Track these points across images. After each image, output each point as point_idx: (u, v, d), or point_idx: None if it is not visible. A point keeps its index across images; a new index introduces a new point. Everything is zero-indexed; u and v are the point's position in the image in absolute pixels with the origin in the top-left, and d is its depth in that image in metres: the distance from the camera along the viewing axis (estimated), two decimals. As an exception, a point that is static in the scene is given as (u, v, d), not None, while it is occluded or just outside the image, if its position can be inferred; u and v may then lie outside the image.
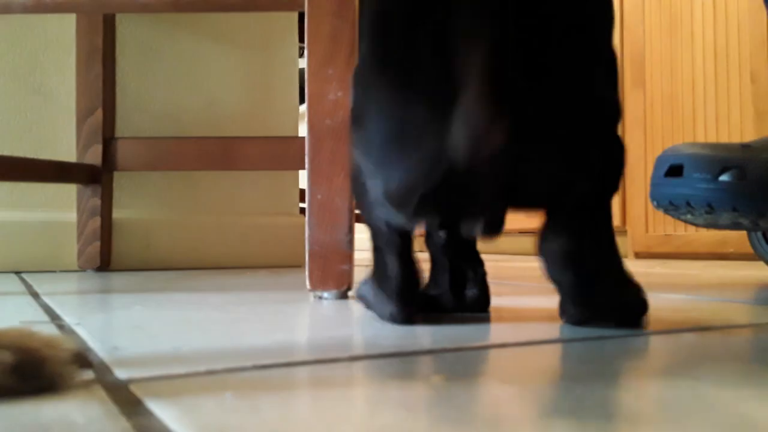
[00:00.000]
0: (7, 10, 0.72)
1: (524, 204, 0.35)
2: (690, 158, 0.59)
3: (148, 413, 0.21)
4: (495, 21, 0.29)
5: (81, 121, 1.00)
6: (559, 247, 0.35)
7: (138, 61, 1.08)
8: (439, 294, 0.44)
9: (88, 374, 0.26)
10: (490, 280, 0.43)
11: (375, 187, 0.36)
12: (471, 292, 0.44)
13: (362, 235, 1.14)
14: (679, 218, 0.63)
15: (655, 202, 0.63)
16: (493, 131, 0.29)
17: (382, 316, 0.40)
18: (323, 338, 0.35)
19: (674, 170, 0.60)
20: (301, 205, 1.27)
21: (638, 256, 1.50)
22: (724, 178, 0.56)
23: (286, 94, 1.19)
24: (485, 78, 0.29)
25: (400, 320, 0.38)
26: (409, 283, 0.38)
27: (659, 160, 0.62)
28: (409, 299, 0.38)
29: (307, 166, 0.57)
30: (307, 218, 0.57)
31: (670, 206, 0.60)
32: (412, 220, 0.36)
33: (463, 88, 0.29)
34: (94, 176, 0.99)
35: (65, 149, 1.02)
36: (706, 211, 0.57)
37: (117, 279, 0.83)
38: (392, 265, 0.38)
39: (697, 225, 0.64)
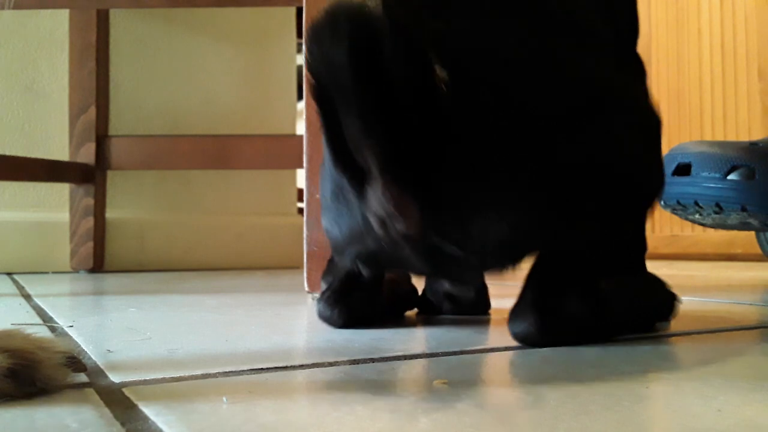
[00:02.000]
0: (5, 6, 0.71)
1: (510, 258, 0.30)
2: (698, 157, 0.58)
3: (142, 418, 0.20)
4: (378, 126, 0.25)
5: (74, 118, 0.99)
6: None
7: (132, 57, 1.07)
8: (437, 299, 0.44)
9: (82, 378, 0.25)
10: (494, 281, 0.43)
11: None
12: (468, 295, 0.43)
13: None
14: (686, 218, 0.62)
15: (662, 202, 0.62)
16: (397, 219, 0.27)
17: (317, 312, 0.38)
18: (322, 341, 0.34)
19: (682, 169, 0.60)
20: (299, 204, 1.27)
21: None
22: (733, 177, 0.56)
23: (284, 90, 1.18)
24: (381, 171, 0.26)
25: (331, 323, 0.37)
26: (349, 287, 0.36)
27: (666, 158, 0.62)
28: (345, 303, 0.36)
29: (305, 164, 0.57)
30: (305, 218, 0.56)
31: (678, 206, 0.60)
32: (354, 266, 0.35)
33: (369, 172, 0.27)
34: (87, 175, 0.98)
35: (58, 148, 1.01)
36: (715, 211, 0.57)
37: (110, 280, 0.82)
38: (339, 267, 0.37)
39: (705, 225, 0.63)
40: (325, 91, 0.26)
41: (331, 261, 0.41)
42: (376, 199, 0.27)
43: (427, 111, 0.27)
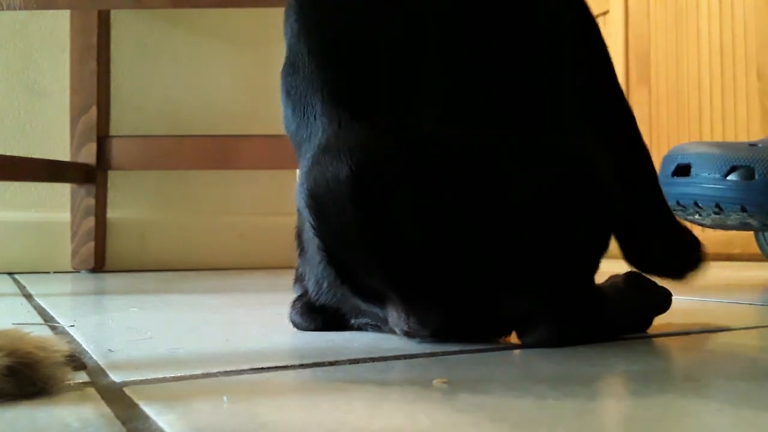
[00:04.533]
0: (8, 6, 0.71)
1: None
2: (698, 157, 0.58)
3: (143, 417, 0.20)
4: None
5: (75, 119, 0.99)
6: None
7: (133, 58, 1.07)
8: None
9: (82, 376, 0.25)
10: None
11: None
12: None
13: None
14: (686, 219, 0.62)
15: None
16: (422, 330, 0.30)
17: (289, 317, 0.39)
18: (322, 341, 0.34)
19: (681, 169, 0.59)
20: (298, 204, 1.26)
21: (642, 257, 1.49)
22: (732, 177, 0.56)
23: (284, 92, 1.18)
24: (402, 299, 0.29)
25: (302, 328, 0.37)
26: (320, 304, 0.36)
27: (666, 159, 0.61)
28: (315, 317, 0.37)
29: (304, 165, 0.56)
30: (304, 218, 0.56)
31: (678, 206, 0.60)
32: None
33: (388, 296, 0.30)
34: (88, 175, 0.98)
35: (59, 148, 1.01)
36: (714, 211, 0.57)
37: (111, 280, 0.82)
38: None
39: (704, 226, 0.63)
40: (336, 251, 0.29)
41: (299, 269, 0.41)
42: (401, 320, 0.30)
43: (430, 240, 0.29)
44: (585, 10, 0.37)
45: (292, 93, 0.34)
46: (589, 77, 0.37)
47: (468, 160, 0.30)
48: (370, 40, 0.32)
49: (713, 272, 0.95)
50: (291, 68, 0.34)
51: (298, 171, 0.34)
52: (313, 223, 0.29)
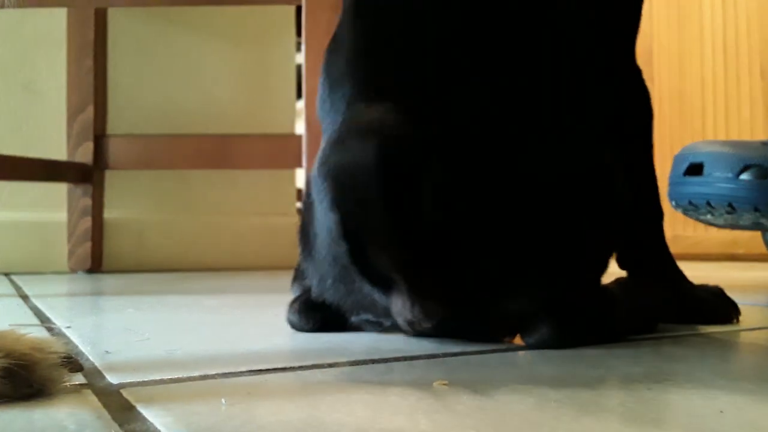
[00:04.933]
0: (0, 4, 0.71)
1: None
2: (710, 156, 0.57)
3: (140, 419, 0.20)
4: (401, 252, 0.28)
5: (71, 118, 0.99)
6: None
7: (130, 56, 1.07)
8: None
9: (79, 378, 0.25)
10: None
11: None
12: None
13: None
14: (698, 219, 0.61)
15: (673, 202, 0.61)
16: (425, 321, 0.30)
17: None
18: (321, 342, 0.34)
19: (694, 169, 0.58)
20: (298, 204, 1.26)
21: (647, 257, 1.49)
22: (745, 176, 0.55)
23: (283, 90, 1.18)
24: (409, 288, 0.29)
25: (298, 328, 0.37)
26: (317, 303, 0.36)
27: (678, 159, 0.60)
28: (313, 316, 0.37)
29: (304, 164, 0.56)
30: (303, 218, 0.56)
31: (690, 206, 0.59)
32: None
33: (395, 283, 0.30)
34: (85, 175, 0.98)
35: (55, 147, 1.00)
36: (727, 211, 0.56)
37: (108, 281, 0.82)
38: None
39: (716, 225, 0.62)
40: (353, 225, 0.29)
41: (299, 268, 0.41)
42: (406, 308, 0.30)
43: (446, 225, 0.29)
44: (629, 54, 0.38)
45: (330, 68, 0.35)
46: (620, 101, 0.38)
47: (486, 154, 0.30)
48: (409, 32, 0.33)
49: (718, 272, 0.96)
50: (334, 44, 0.36)
51: (319, 152, 0.34)
52: (333, 195, 0.29)
